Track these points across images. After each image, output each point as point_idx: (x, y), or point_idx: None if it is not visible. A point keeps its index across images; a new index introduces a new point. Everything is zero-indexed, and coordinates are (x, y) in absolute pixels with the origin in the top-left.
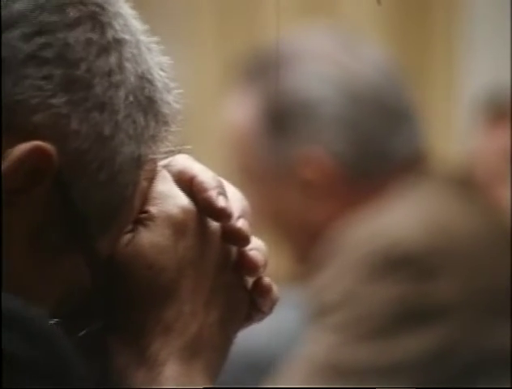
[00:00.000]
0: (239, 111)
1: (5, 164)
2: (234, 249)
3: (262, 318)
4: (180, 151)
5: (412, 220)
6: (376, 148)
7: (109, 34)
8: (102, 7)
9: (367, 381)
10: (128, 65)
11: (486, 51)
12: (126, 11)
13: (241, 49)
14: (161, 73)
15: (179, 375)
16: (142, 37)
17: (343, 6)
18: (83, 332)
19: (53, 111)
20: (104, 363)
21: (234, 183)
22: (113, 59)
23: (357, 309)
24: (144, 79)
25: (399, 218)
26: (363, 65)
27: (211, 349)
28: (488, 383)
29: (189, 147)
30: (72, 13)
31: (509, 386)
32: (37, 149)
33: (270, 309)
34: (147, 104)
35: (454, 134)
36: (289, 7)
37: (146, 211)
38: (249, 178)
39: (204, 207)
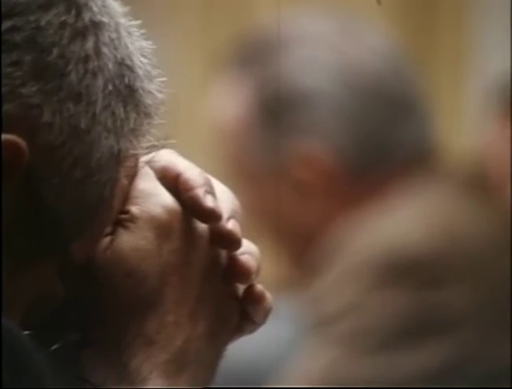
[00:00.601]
0: (229, 102)
1: None
2: (223, 253)
3: (254, 330)
4: (164, 146)
5: (418, 222)
6: (378, 143)
7: (86, 16)
8: None
9: None
10: (106, 50)
11: (498, 39)
12: None
13: (230, 34)
14: (143, 59)
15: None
16: (122, 20)
17: None
18: (56, 346)
19: (22, 101)
20: (79, 379)
21: (223, 181)
22: (89, 44)
23: (360, 321)
24: (124, 66)
25: (404, 220)
26: (365, 52)
27: (198, 363)
28: None
29: (173, 141)
30: None
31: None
32: (6, 142)
33: (263, 319)
34: (128, 93)
35: (464, 128)
36: None
37: (126, 212)
38: (241, 175)
39: (191, 206)
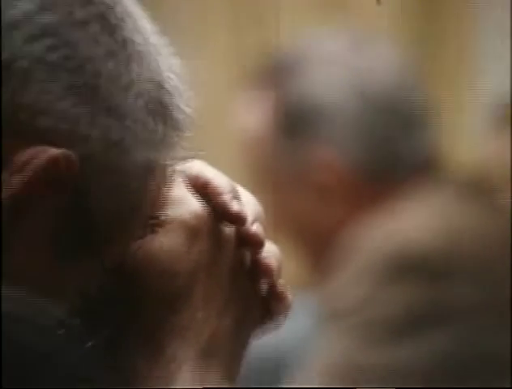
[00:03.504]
0: (253, 115)
1: (14, 169)
2: (248, 254)
3: (276, 324)
4: (194, 157)
5: (426, 223)
6: (390, 152)
7: (118, 35)
8: (111, 7)
9: (381, 384)
10: (136, 67)
11: (502, 52)
12: (136, 11)
13: (255, 51)
14: (172, 75)
15: (195, 376)
16: (153, 38)
17: (358, 6)
18: (91, 342)
19: (59, 115)
20: (114, 371)
21: (248, 188)
22: (121, 61)
23: (372, 313)
24: (154, 82)
25: (413, 221)
26: (377, 68)
27: (225, 355)
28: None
29: (202, 152)
30: (80, 13)
31: (509, 386)
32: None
33: (284, 314)
34: (157, 107)
35: (469, 137)
36: (302, 7)
37: (157, 217)
38: (264, 182)
39: (219, 211)
